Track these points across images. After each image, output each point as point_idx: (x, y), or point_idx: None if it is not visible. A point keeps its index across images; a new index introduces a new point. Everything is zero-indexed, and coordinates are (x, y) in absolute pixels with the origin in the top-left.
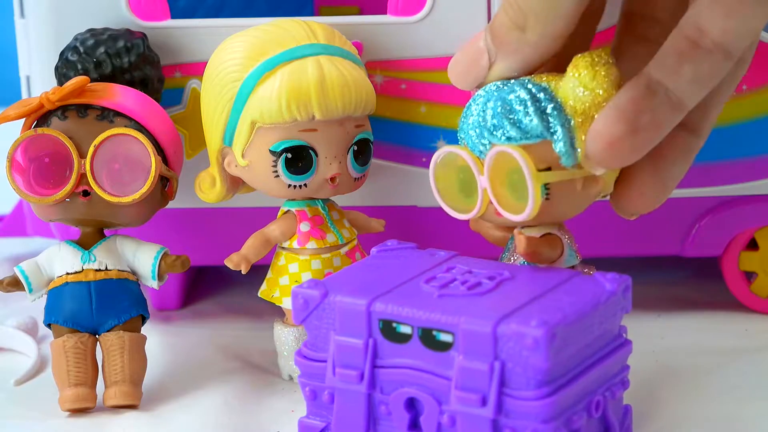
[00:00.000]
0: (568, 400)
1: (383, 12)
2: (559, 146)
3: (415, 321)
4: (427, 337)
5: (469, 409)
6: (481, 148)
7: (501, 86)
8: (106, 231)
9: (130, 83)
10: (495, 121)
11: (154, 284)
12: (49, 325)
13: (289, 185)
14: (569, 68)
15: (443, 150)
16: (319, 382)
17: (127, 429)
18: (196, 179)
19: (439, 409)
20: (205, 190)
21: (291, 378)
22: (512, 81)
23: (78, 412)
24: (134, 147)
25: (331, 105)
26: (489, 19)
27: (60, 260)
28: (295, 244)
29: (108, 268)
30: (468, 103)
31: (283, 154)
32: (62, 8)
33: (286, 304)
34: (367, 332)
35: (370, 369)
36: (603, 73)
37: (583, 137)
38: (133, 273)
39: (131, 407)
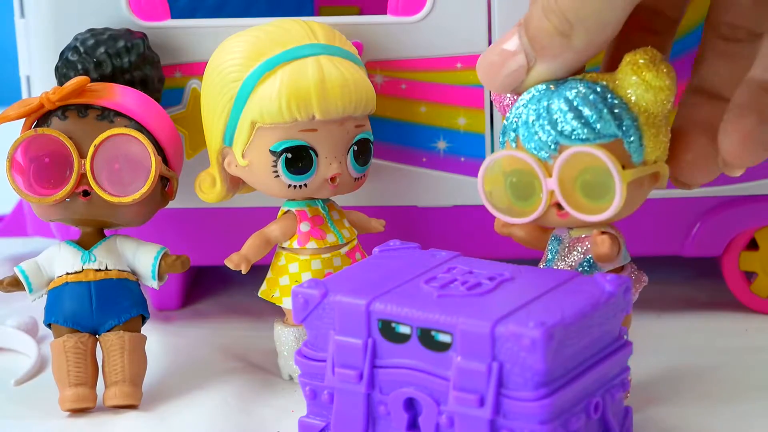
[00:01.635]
0: (567, 402)
1: (383, 12)
2: (630, 144)
3: (414, 321)
4: (426, 338)
5: (467, 410)
6: (546, 150)
7: (554, 86)
8: (106, 231)
9: (130, 83)
10: (564, 122)
11: (154, 284)
12: (49, 325)
13: (289, 185)
14: (627, 67)
15: (497, 154)
16: (319, 382)
17: (127, 429)
18: (196, 179)
19: (437, 410)
20: (205, 190)
21: (291, 378)
22: (565, 81)
23: (78, 412)
24: (134, 147)
25: (331, 105)
26: (489, 19)
27: (60, 260)
28: (295, 244)
29: (108, 268)
30: (518, 105)
31: (283, 154)
32: (62, 8)
33: (286, 304)
34: (367, 332)
35: (369, 369)
36: (665, 70)
37: (649, 134)
38: (133, 273)
39: (131, 407)
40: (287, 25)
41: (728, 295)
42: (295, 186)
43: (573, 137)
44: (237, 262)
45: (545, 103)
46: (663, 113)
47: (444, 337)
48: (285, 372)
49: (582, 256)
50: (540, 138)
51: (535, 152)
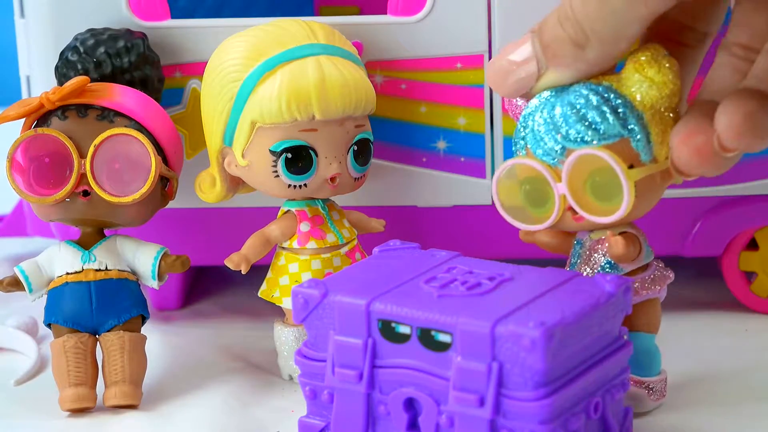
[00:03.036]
0: (567, 402)
1: (383, 12)
2: (637, 142)
3: (414, 321)
4: (426, 338)
5: (467, 410)
6: (554, 156)
7: (560, 92)
8: (106, 231)
9: (130, 83)
10: (568, 126)
11: (154, 284)
12: (49, 325)
13: (289, 185)
14: (630, 65)
15: (508, 163)
16: (319, 382)
17: (127, 429)
18: (196, 179)
19: (437, 410)
20: (205, 190)
21: (291, 378)
22: (570, 86)
23: (78, 412)
24: (134, 147)
25: (331, 105)
26: (489, 19)
27: (60, 260)
28: (295, 244)
29: (108, 268)
30: (525, 114)
31: (283, 154)
32: (62, 8)
33: (286, 304)
34: (367, 332)
35: (369, 369)
36: (667, 65)
37: (656, 130)
38: (133, 273)
39: (131, 407)
40: (287, 25)
41: (728, 295)
42: (295, 186)
43: (578, 141)
44: (237, 262)
45: (550, 110)
46: (670, 108)
47: (444, 337)
48: (285, 372)
49: (603, 258)
50: (547, 144)
51: (544, 158)
